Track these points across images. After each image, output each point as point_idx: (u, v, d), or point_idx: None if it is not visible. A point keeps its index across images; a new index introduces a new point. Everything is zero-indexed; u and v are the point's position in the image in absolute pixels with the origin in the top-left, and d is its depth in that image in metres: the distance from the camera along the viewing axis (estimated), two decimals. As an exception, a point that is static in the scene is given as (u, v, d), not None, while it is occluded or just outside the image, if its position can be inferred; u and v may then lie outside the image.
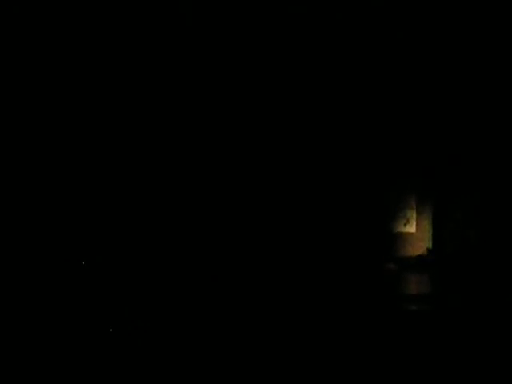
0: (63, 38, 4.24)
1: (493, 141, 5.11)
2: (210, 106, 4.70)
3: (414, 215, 5.27)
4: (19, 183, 4.21)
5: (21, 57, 4.20)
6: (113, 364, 3.63)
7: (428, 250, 5.17)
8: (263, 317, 4.30)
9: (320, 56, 4.85)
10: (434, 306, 4.77)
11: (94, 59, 4.38)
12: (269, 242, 4.80)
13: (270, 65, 4.79)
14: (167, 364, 3.65)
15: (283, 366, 3.66)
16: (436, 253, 5.15)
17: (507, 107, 5.05)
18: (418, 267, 5.12)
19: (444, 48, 4.90)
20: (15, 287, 4.06)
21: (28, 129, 4.27)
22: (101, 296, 4.13)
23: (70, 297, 4.10)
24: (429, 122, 5.17)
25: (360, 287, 4.81)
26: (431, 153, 5.22)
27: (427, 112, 5.16)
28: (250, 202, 4.79)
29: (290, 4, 4.52)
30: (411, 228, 5.25)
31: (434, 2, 4.67)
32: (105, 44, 4.36)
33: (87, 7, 4.14)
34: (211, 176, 4.69)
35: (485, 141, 5.13)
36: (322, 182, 5.00)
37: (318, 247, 4.92)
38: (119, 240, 4.36)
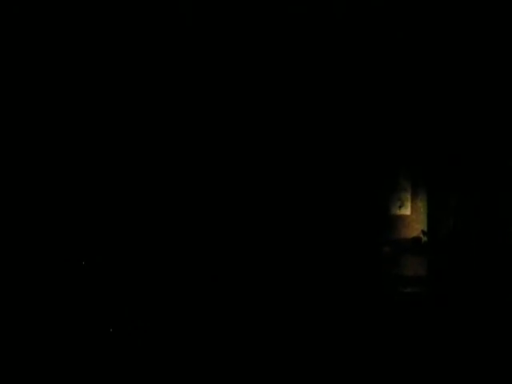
0: (63, 38, 4.20)
1: (490, 132, 5.13)
2: (210, 106, 4.69)
3: (409, 197, 5.33)
4: (19, 183, 4.22)
5: (21, 57, 4.16)
6: (113, 364, 3.70)
7: (423, 232, 5.22)
8: (261, 310, 4.37)
9: (320, 56, 4.84)
10: (428, 288, 4.85)
11: (93, 59, 4.34)
12: (265, 227, 4.83)
13: (269, 65, 4.77)
14: (167, 364, 3.73)
15: (282, 355, 3.76)
16: (431, 235, 5.20)
17: (502, 99, 5.08)
18: (412, 249, 5.17)
19: (444, 48, 4.89)
20: (15, 287, 4.09)
21: (28, 128, 4.25)
22: (101, 296, 4.17)
23: (70, 297, 4.13)
24: (426, 110, 5.20)
25: (355, 270, 4.87)
26: (426, 137, 5.23)
27: (423, 101, 5.17)
28: (247, 189, 4.82)
29: (289, 4, 4.48)
30: (406, 210, 5.31)
31: (434, 2, 4.65)
32: (104, 44, 4.32)
33: (87, 7, 4.09)
34: (210, 176, 4.71)
35: (482, 131, 5.15)
36: (316, 166, 5.06)
37: (313, 230, 5.01)
38: (119, 240, 4.39)
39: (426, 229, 5.24)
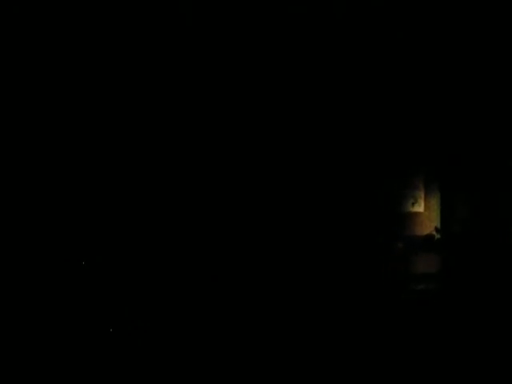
0: (63, 38, 4.26)
1: (491, 132, 5.13)
2: (210, 106, 4.71)
3: (423, 195, 5.34)
4: (19, 183, 4.21)
5: (21, 57, 4.21)
6: (113, 364, 3.61)
7: (436, 229, 5.24)
8: (269, 308, 4.30)
9: (320, 56, 4.86)
10: (441, 284, 4.81)
11: (93, 59, 4.39)
12: (277, 221, 4.81)
13: (269, 65, 4.79)
14: (167, 364, 3.63)
15: (291, 351, 3.66)
16: (444, 232, 5.22)
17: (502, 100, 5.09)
18: (426, 247, 5.20)
19: (444, 48, 4.90)
20: (15, 287, 4.05)
21: (28, 128, 4.27)
22: (101, 296, 4.11)
23: (70, 297, 4.09)
24: (439, 107, 5.19)
25: (368, 266, 4.84)
26: (439, 133, 5.23)
27: (435, 96, 5.16)
28: (253, 183, 4.79)
29: (289, 4, 4.53)
30: (419, 208, 5.33)
31: (434, 2, 4.67)
32: (104, 44, 4.37)
33: (87, 7, 4.16)
34: (211, 176, 4.69)
35: (483, 131, 5.15)
36: (331, 165, 5.05)
37: (326, 227, 4.99)
38: (119, 240, 4.35)
39: (439, 226, 5.24)
